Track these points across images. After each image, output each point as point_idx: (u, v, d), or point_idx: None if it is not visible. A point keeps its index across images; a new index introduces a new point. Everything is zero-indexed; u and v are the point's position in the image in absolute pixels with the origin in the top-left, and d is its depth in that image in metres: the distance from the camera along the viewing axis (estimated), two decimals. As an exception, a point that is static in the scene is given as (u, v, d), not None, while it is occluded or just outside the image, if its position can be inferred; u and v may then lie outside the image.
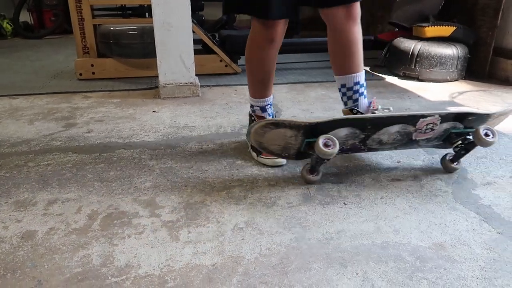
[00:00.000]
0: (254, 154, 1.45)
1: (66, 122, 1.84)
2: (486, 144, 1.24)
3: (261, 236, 1.02)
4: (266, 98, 1.48)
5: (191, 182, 1.29)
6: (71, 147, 1.56)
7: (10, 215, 1.10)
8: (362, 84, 1.39)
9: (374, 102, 1.40)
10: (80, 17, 2.57)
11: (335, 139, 1.15)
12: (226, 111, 2.02)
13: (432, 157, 1.49)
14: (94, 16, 2.64)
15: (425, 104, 2.18)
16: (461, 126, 1.29)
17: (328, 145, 1.14)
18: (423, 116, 1.21)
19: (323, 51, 3.32)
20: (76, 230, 1.04)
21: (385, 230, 1.05)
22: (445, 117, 1.24)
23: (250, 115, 1.54)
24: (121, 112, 2.00)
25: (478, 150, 1.55)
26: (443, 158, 1.37)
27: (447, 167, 1.36)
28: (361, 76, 1.38)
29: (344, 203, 1.18)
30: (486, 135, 1.23)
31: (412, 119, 1.21)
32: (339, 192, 1.24)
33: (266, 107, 1.49)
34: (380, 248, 0.98)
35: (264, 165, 1.41)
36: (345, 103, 1.43)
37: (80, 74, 2.61)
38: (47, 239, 1.00)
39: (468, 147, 1.31)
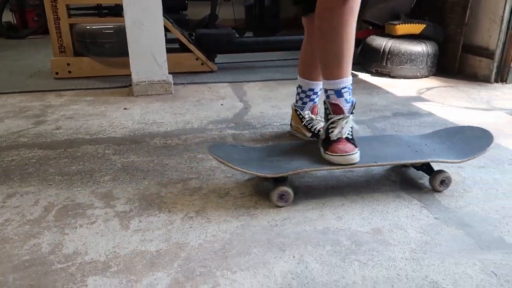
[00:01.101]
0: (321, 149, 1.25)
1: (36, 120, 1.87)
2: (438, 191, 1.23)
3: (209, 224, 1.06)
4: (342, 79, 1.20)
5: (149, 175, 1.33)
6: (38, 143, 1.60)
7: (-33, 207, 1.14)
8: (316, 92, 1.49)
9: (315, 110, 1.56)
10: (56, 16, 2.59)
11: (290, 192, 1.14)
12: (196, 108, 2.06)
13: (388, 149, 1.54)
14: (70, 16, 2.66)
15: (392, 99, 2.23)
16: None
17: (283, 199, 1.15)
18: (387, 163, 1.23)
19: (298, 49, 3.39)
20: (30, 221, 1.07)
21: (329, 217, 1.10)
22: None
23: (324, 103, 1.25)
24: (93, 109, 2.03)
25: (432, 142, 1.61)
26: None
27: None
28: (317, 85, 1.47)
29: (295, 193, 1.22)
30: (442, 182, 1.22)
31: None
32: (291, 182, 1.29)
33: (342, 90, 1.20)
34: (321, 233, 1.03)
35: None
36: (296, 101, 1.61)
37: (56, 73, 2.64)
38: (1, 230, 1.03)
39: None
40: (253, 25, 4.44)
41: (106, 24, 2.71)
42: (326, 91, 1.24)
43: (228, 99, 2.21)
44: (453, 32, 2.78)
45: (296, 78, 1.61)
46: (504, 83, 2.57)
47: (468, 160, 1.21)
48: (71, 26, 2.66)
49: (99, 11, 2.83)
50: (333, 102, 1.21)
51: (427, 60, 2.69)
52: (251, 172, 1.13)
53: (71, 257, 0.93)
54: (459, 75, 2.78)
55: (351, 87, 1.24)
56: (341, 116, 1.20)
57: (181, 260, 0.93)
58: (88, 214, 1.11)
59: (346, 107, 1.21)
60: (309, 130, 1.56)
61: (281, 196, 1.15)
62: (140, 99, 2.22)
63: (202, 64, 2.83)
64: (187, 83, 2.55)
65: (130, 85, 2.32)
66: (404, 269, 0.90)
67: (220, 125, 1.80)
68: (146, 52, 2.24)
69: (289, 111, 2.00)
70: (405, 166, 1.37)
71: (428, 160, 1.21)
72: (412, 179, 1.31)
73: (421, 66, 2.70)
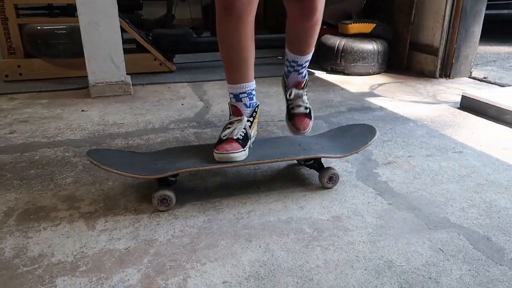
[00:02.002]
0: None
1: (-12, 124, 1.79)
2: (327, 187, 1.27)
3: (176, 220, 1.09)
4: (239, 84, 1.22)
5: (113, 176, 1.33)
6: (-9, 148, 1.54)
7: None
8: (300, 64, 1.38)
9: (301, 85, 1.40)
10: (3, 16, 2.48)
11: (172, 196, 1.13)
12: (156, 108, 2.06)
13: (344, 143, 1.63)
14: (18, 15, 2.56)
15: (346, 96, 2.34)
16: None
17: (164, 203, 1.12)
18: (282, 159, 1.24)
19: (260, 48, 3.45)
20: (-10, 227, 1.05)
21: (292, 207, 1.16)
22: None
23: (228, 105, 1.28)
24: (48, 112, 1.97)
25: (385, 134, 1.72)
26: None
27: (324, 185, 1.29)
28: (300, 58, 1.37)
29: (258, 187, 1.27)
30: (330, 179, 1.26)
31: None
32: (254, 177, 1.33)
33: (240, 95, 1.23)
34: (285, 223, 1.08)
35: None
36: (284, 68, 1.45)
37: (6, 76, 2.53)
38: (-41, 237, 1.00)
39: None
40: (210, 24, 4.45)
41: (58, 25, 2.63)
42: (229, 93, 1.26)
43: (188, 99, 2.23)
44: (401, 31, 2.95)
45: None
46: (448, 78, 2.76)
47: (350, 154, 1.27)
48: (21, 26, 2.56)
49: (51, 11, 2.74)
50: (233, 104, 1.23)
51: (378, 57, 2.83)
52: (125, 173, 1.09)
53: (37, 259, 0.93)
54: (408, 71, 2.95)
55: (253, 92, 1.24)
56: (239, 118, 1.22)
57: (150, 256, 0.95)
58: (52, 216, 1.10)
59: (245, 111, 1.23)
60: (288, 110, 1.43)
61: (162, 200, 1.12)
62: (98, 100, 2.18)
63: (161, 64, 2.82)
64: (146, 84, 2.54)
65: (87, 86, 2.28)
66: (362, 251, 0.97)
67: (181, 124, 1.82)
68: (103, 53, 2.20)
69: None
70: (300, 164, 1.42)
71: (312, 156, 1.24)
72: (366, 170, 1.40)
73: (372, 64, 2.83)
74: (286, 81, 1.44)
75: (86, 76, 2.23)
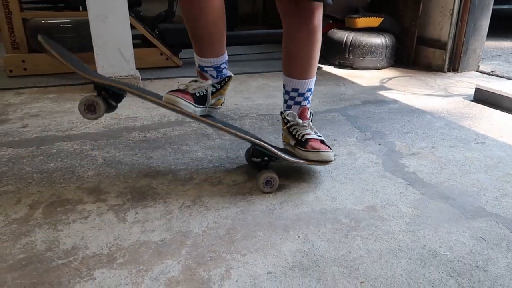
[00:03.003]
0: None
1: (-2, 119, 1.75)
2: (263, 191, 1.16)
3: (208, 212, 1.06)
4: (203, 58, 1.17)
5: (135, 168, 1.30)
6: (5, 142, 1.49)
7: None
8: (302, 93, 1.23)
9: (305, 114, 1.25)
10: (7, 10, 2.43)
11: (100, 103, 1.08)
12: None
13: (365, 135, 1.61)
14: (22, 10, 2.50)
15: (358, 89, 2.32)
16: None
17: (91, 110, 1.08)
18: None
19: (263, 43, 3.43)
20: (16, 220, 1.01)
21: (323, 198, 1.14)
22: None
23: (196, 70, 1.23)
24: (58, 106, 1.93)
25: (404, 126, 1.71)
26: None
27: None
28: (301, 84, 1.21)
29: (286, 178, 1.25)
30: (267, 183, 1.15)
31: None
32: (282, 168, 1.31)
33: (205, 68, 1.18)
34: (319, 213, 1.06)
35: (209, 149, 1.45)
36: (283, 104, 1.31)
37: (10, 71, 2.47)
38: (-15, 231, 0.97)
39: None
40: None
41: (63, 19, 2.58)
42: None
43: (200, 93, 2.19)
44: (408, 25, 2.94)
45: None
46: (456, 72, 2.76)
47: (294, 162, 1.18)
48: (24, 21, 2.51)
49: (55, 5, 2.68)
50: (199, 71, 1.21)
51: (386, 51, 2.82)
52: (69, 65, 1.04)
53: (71, 252, 0.89)
54: (415, 65, 2.95)
55: (222, 66, 1.19)
56: (202, 80, 1.18)
57: (188, 247, 0.92)
58: (79, 209, 1.06)
59: (212, 80, 1.20)
60: (293, 136, 1.23)
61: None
62: (107, 95, 2.13)
63: (167, 59, 2.78)
64: (154, 78, 2.50)
65: (95, 81, 2.23)
66: (403, 241, 0.95)
67: (197, 118, 1.78)
68: (112, 46, 2.16)
69: (262, 103, 2.03)
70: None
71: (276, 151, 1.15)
72: (392, 161, 1.38)
73: (381, 58, 2.82)
74: (286, 118, 1.25)
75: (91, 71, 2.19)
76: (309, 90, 1.24)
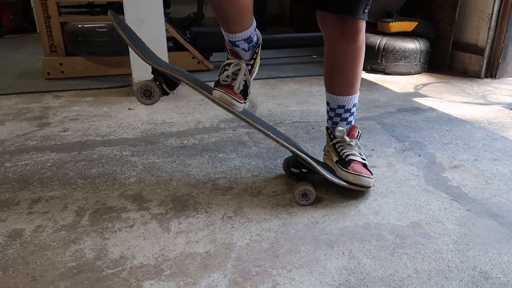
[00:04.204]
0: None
1: (39, 122, 1.80)
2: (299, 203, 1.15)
3: (250, 224, 1.06)
4: (234, 34, 1.10)
5: (175, 176, 1.31)
6: (48, 146, 1.54)
7: (-7, 215, 1.09)
8: (348, 110, 1.22)
9: (354, 132, 1.24)
10: (46, 14, 2.50)
11: (157, 89, 1.10)
12: (202, 107, 2.04)
13: (403, 145, 1.58)
14: (60, 14, 2.57)
15: (392, 95, 2.28)
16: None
17: (147, 95, 1.10)
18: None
19: (291, 47, 3.41)
20: (65, 227, 1.04)
21: (366, 212, 1.12)
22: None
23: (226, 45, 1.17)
24: (96, 110, 1.97)
25: (443, 136, 1.66)
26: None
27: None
28: (347, 100, 1.20)
29: (326, 190, 1.23)
30: (303, 195, 1.14)
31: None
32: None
33: (237, 42, 1.11)
34: (363, 228, 1.04)
35: (246, 157, 1.45)
36: (327, 120, 1.30)
37: (48, 74, 2.54)
38: (36, 237, 0.99)
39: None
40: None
41: (99, 23, 2.64)
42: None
43: (233, 98, 2.20)
44: (443, 29, 2.87)
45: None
46: (494, 78, 2.68)
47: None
48: (62, 25, 2.57)
49: (91, 9, 2.75)
50: (230, 48, 1.14)
51: (420, 56, 2.76)
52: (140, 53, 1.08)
53: (119, 262, 0.91)
54: (450, 71, 2.87)
55: (252, 35, 1.12)
56: (237, 62, 1.13)
57: (233, 260, 0.92)
58: (124, 217, 1.08)
59: (244, 55, 1.14)
60: (337, 153, 1.23)
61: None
62: (142, 99, 2.17)
63: (198, 62, 2.80)
64: (186, 82, 2.52)
65: (130, 84, 2.27)
66: (452, 261, 0.92)
67: (232, 124, 1.79)
68: (147, 51, 2.19)
69: (296, 109, 2.02)
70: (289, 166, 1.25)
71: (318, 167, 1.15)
72: (434, 174, 1.35)
73: (414, 63, 2.77)
74: (333, 134, 1.24)
75: (125, 74, 2.23)
76: (354, 105, 1.23)
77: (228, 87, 1.13)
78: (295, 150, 1.15)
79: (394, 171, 1.36)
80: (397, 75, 2.79)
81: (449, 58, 2.90)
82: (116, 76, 2.59)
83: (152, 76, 1.15)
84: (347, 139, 1.22)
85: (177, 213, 1.10)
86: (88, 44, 2.58)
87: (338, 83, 1.21)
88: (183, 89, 2.36)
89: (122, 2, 2.09)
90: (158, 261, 0.91)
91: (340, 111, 1.23)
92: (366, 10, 1.12)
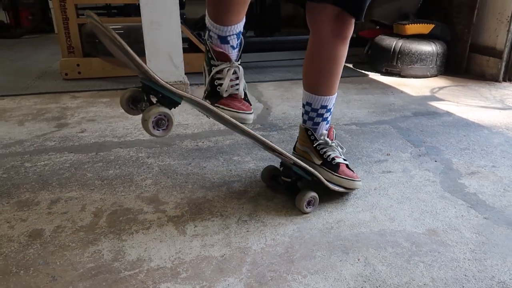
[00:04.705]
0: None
1: (58, 122, 1.83)
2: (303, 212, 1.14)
3: (265, 228, 1.06)
4: (228, 27, 1.00)
5: (191, 179, 1.32)
6: (66, 147, 1.57)
7: (14, 215, 1.11)
8: (330, 109, 1.21)
9: (332, 133, 1.23)
10: (64, 16, 2.54)
11: (171, 116, 1.00)
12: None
13: (419, 150, 1.56)
14: (78, 15, 2.61)
15: (407, 99, 2.26)
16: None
17: (160, 125, 1.01)
18: (281, 154, 1.09)
19: (306, 49, 3.41)
20: (83, 228, 1.06)
21: (381, 218, 1.11)
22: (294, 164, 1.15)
23: (206, 43, 1.08)
24: (112, 111, 2.00)
25: (460, 141, 1.64)
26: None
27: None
28: (329, 100, 1.19)
29: (341, 195, 1.23)
30: (309, 203, 1.13)
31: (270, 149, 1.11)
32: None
33: (228, 37, 1.02)
34: (378, 235, 1.04)
35: (260, 160, 1.45)
36: (304, 121, 1.25)
37: (66, 74, 2.59)
38: (55, 237, 1.02)
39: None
40: (253, 24, 4.42)
41: (116, 24, 2.67)
42: (208, 30, 1.05)
43: (247, 100, 2.20)
44: (461, 32, 2.83)
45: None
46: (512, 82, 2.63)
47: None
48: (80, 26, 2.62)
49: (108, 11, 2.78)
50: (217, 48, 1.03)
51: (436, 59, 2.73)
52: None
53: (136, 264, 0.92)
54: (467, 74, 2.83)
55: (241, 28, 1.04)
56: (228, 65, 1.03)
57: (248, 265, 0.93)
58: (141, 219, 1.10)
59: (232, 53, 1.04)
60: (320, 155, 1.21)
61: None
62: (158, 100, 2.19)
63: (213, 64, 2.81)
64: (201, 84, 2.54)
65: (146, 86, 2.29)
66: (469, 270, 0.91)
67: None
68: (163, 52, 2.21)
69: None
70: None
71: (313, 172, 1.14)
72: (451, 180, 1.33)
73: (430, 66, 2.74)
74: (314, 135, 1.22)
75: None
76: (333, 104, 1.23)
77: (233, 99, 1.05)
78: (296, 160, 1.11)
79: (410, 176, 1.35)
80: (413, 78, 2.76)
81: (466, 61, 2.86)
82: (132, 77, 2.62)
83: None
84: (328, 140, 1.22)
85: (192, 216, 1.11)
86: (105, 46, 2.61)
87: (325, 83, 1.17)
88: (197, 91, 2.38)
89: (138, 4, 2.12)
90: (174, 264, 0.93)
91: (323, 111, 1.20)
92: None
